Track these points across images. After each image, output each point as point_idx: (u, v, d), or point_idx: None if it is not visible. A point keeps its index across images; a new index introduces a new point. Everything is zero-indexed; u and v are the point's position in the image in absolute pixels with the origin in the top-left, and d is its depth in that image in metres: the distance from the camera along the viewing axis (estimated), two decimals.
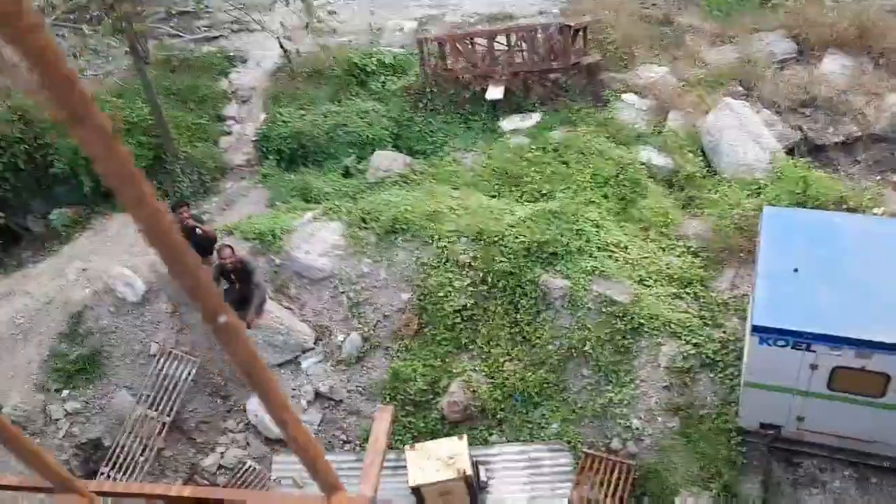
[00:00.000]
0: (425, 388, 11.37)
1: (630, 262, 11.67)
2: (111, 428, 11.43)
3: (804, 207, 11.63)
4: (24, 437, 1.75)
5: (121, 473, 10.90)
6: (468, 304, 11.64)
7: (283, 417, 1.47)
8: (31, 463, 1.81)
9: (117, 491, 3.87)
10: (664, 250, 12.22)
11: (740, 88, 14.92)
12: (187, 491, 4.39)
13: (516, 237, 11.73)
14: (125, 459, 10.97)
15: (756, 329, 8.59)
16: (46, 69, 1.07)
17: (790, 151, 13.63)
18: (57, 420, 11.51)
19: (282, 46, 16.38)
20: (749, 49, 15.51)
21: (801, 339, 8.46)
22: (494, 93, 15.14)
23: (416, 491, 9.55)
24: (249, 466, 10.97)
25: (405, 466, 9.63)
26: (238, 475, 10.84)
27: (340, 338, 11.88)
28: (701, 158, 13.89)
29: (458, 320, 11.65)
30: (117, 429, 11.31)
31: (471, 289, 11.68)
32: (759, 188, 12.70)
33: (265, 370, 1.38)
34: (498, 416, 11.07)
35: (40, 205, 14.21)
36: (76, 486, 1.85)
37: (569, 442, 10.66)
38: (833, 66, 14.87)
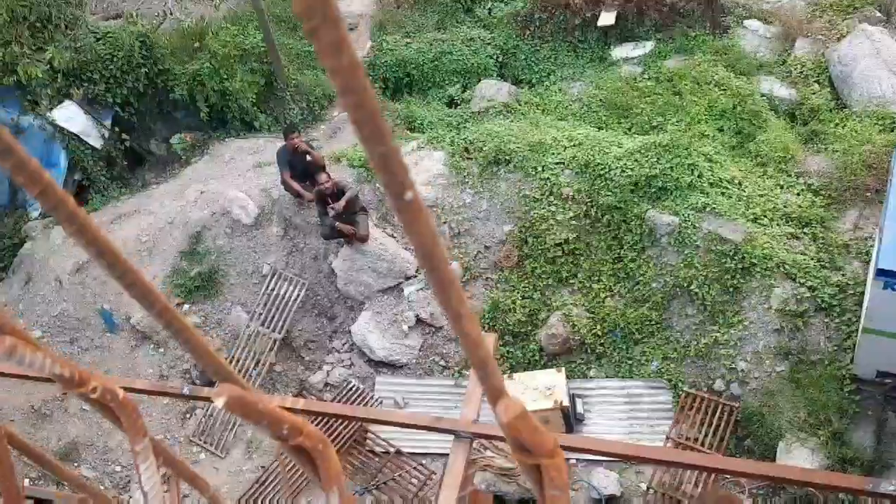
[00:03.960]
0: (524, 319, 11.45)
1: (744, 199, 11.15)
2: (227, 342, 12.18)
3: None
4: (196, 332, 1.87)
5: None
6: (570, 238, 11.51)
7: (459, 310, 1.39)
8: (203, 360, 1.93)
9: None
10: (782, 188, 11.59)
11: (878, 13, 13.65)
12: (301, 403, 4.65)
13: (623, 170, 11.41)
14: (241, 372, 11.71)
15: (881, 273, 8.13)
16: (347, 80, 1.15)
17: None
18: None
19: None
20: None
21: None
22: (606, 18, 14.48)
23: None
24: (353, 385, 11.49)
25: None
26: (343, 393, 11.39)
27: None
28: (829, 90, 12.93)
29: (560, 254, 11.56)
30: (233, 343, 12.06)
31: (574, 222, 11.53)
32: (894, 123, 11.74)
33: (445, 259, 1.34)
34: (597, 351, 11.06)
35: (162, 129, 14.93)
36: (241, 382, 1.98)
37: (669, 380, 10.55)
38: None
